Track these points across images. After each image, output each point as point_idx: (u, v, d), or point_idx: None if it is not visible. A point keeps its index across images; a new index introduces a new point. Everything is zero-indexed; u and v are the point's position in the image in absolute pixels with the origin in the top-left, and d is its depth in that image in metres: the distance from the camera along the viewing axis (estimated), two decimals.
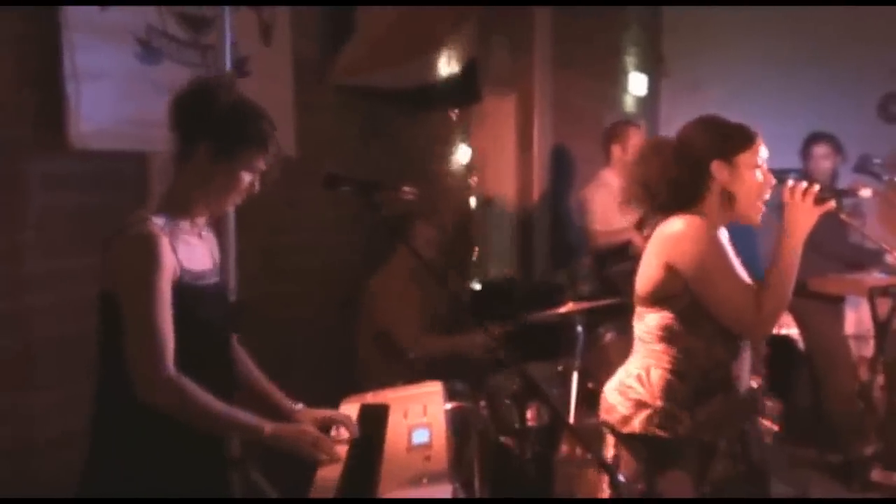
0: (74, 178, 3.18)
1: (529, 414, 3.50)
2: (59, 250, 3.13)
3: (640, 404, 2.68)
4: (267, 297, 4.01)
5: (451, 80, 4.96)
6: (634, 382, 2.71)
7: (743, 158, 2.63)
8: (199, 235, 2.37)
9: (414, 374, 3.70)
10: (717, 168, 2.63)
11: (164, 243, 2.17)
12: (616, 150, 5.34)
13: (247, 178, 2.30)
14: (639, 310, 2.75)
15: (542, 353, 4.09)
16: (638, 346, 2.76)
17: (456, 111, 5.52)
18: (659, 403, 2.64)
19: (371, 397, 2.87)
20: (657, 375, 2.67)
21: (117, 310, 2.16)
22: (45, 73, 3.02)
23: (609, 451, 2.74)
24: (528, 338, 3.92)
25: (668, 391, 2.64)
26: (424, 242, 4.26)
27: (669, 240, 2.61)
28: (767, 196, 2.67)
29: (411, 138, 5.22)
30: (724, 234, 2.74)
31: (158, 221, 2.21)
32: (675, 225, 2.59)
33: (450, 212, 5.45)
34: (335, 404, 2.76)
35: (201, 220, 2.38)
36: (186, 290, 2.22)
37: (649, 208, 2.69)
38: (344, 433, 2.51)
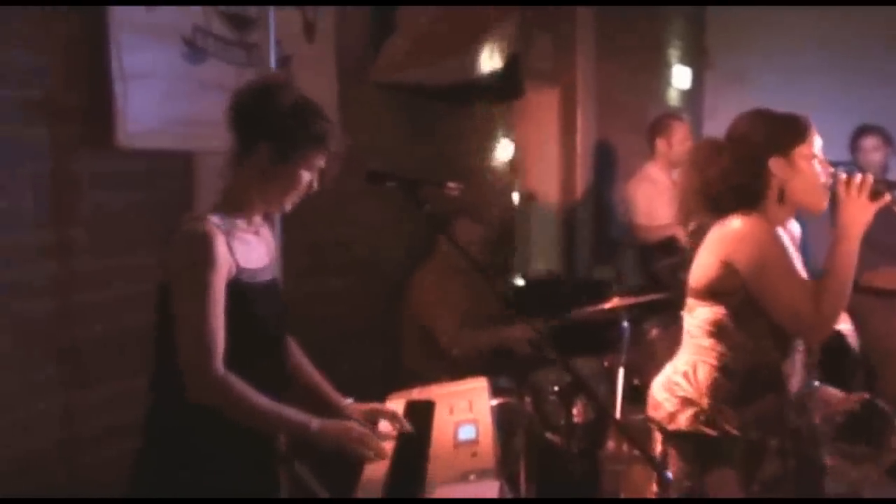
0: (122, 177, 3.22)
1: (575, 410, 3.48)
2: (107, 248, 3.17)
3: (686, 401, 2.65)
4: (312, 293, 4.03)
5: (494, 76, 4.93)
6: (681, 379, 2.69)
7: (799, 151, 2.58)
8: (256, 233, 2.39)
9: (458, 370, 3.71)
10: (776, 165, 2.58)
11: (220, 242, 2.19)
12: (661, 144, 5.29)
13: (306, 176, 2.32)
14: (690, 302, 2.72)
15: (588, 349, 4.06)
16: (686, 341, 2.73)
17: (498, 106, 5.50)
18: (705, 401, 2.61)
19: (417, 393, 2.87)
20: (704, 372, 2.63)
21: (170, 304, 2.19)
22: (93, 73, 3.06)
23: (657, 449, 2.71)
24: (574, 333, 3.89)
25: (715, 389, 2.61)
26: (467, 238, 4.25)
27: (729, 238, 2.56)
28: (827, 183, 2.61)
29: (454, 134, 5.21)
30: (795, 228, 2.70)
31: (215, 220, 2.24)
32: (736, 223, 2.55)
33: (493, 207, 5.43)
34: (380, 400, 2.76)
35: (258, 218, 2.40)
36: (242, 287, 2.24)
37: (710, 215, 2.65)
38: (390, 427, 2.52)
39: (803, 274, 2.56)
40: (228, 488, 2.23)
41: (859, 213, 2.47)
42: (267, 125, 2.27)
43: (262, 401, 2.17)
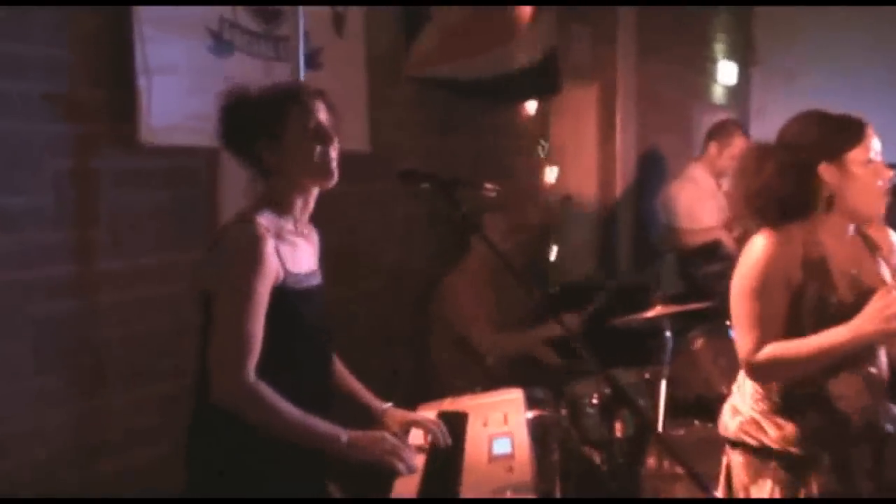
0: (145, 174, 3.25)
1: (615, 424, 3.46)
2: (128, 249, 3.20)
3: (735, 410, 2.68)
4: (338, 297, 4.03)
5: (530, 71, 4.92)
6: (735, 388, 2.73)
7: (853, 156, 2.52)
8: (304, 236, 2.42)
9: (492, 379, 3.69)
10: (826, 172, 2.54)
11: (269, 245, 2.21)
12: (713, 147, 5.25)
13: (312, 137, 2.32)
14: None
15: (628, 360, 4.03)
16: None
17: (535, 103, 5.48)
18: (748, 411, 2.63)
19: (449, 404, 2.87)
20: (749, 383, 2.64)
21: (212, 309, 2.20)
22: (116, 67, 3.09)
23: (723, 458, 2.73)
24: (613, 343, 3.87)
25: (756, 400, 2.62)
26: (500, 241, 4.24)
27: (744, 254, 2.59)
28: (885, 187, 2.57)
29: (488, 132, 5.20)
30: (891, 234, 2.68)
31: (263, 220, 2.25)
32: (757, 241, 2.55)
33: (529, 209, 5.42)
34: (410, 409, 2.76)
35: (305, 219, 2.42)
36: (289, 293, 2.26)
37: (757, 223, 2.63)
38: (422, 439, 2.52)
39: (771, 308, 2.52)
40: (269, 493, 2.24)
41: (881, 327, 2.41)
42: (243, 132, 2.33)
43: (291, 411, 2.18)
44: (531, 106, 5.50)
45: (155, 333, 3.27)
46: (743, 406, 2.65)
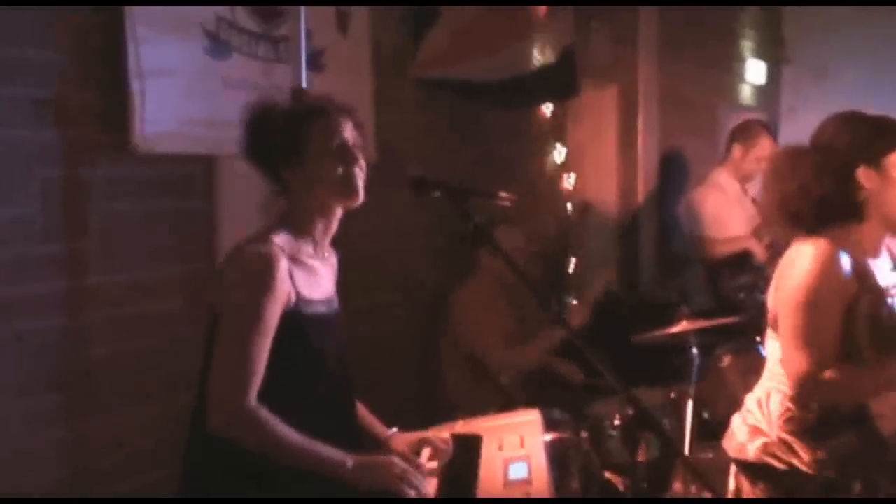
0: (139, 183, 3.26)
1: (638, 447, 3.45)
2: (122, 262, 3.21)
3: (756, 431, 2.65)
4: (348, 310, 4.03)
5: (546, 72, 4.92)
6: (754, 407, 2.70)
7: (893, 159, 2.54)
8: (324, 260, 2.43)
9: (507, 399, 3.69)
10: (865, 176, 2.53)
11: (282, 267, 2.21)
12: (737, 150, 5.24)
13: (336, 156, 2.33)
14: (769, 330, 2.70)
15: (652, 379, 4.03)
16: (766, 367, 2.72)
17: (551, 106, 5.48)
18: (775, 432, 2.61)
19: (461, 426, 2.86)
20: (776, 401, 2.63)
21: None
22: (108, 70, 3.10)
23: (730, 482, 2.71)
24: (636, 361, 3.86)
25: (786, 420, 2.60)
26: (513, 252, 4.24)
27: (787, 263, 2.57)
28: None
29: (501, 137, 5.21)
30: None
31: (279, 241, 2.26)
32: (805, 250, 2.53)
33: (545, 219, 5.42)
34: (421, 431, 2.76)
35: (326, 243, 2.44)
36: (300, 318, 2.26)
37: (790, 230, 2.62)
38: (434, 462, 2.52)
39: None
40: None
41: None
42: (265, 147, 2.34)
43: (293, 436, 2.18)
44: (547, 109, 5.50)
45: (149, 352, 3.27)
46: (767, 426, 2.63)
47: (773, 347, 2.69)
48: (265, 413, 2.16)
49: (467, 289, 4.39)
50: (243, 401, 2.14)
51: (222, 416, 2.15)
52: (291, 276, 2.25)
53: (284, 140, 2.32)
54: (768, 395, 2.65)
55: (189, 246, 3.39)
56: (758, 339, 4.22)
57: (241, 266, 2.24)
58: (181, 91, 3.26)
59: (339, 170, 2.34)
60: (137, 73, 3.11)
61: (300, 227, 2.36)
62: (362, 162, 2.38)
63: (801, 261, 2.53)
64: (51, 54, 2.98)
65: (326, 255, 2.46)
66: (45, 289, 3.00)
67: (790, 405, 2.59)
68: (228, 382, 2.15)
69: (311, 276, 2.34)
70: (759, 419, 2.65)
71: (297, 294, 2.27)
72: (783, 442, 2.59)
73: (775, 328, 2.63)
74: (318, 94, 2.45)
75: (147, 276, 3.27)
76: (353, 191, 2.37)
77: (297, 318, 2.25)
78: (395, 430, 2.64)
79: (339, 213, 2.44)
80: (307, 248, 2.36)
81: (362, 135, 2.42)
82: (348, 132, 2.37)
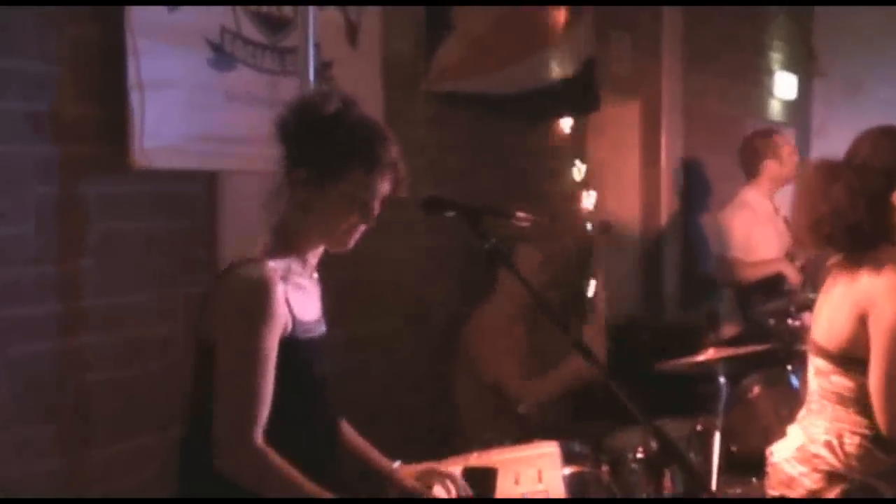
0: (137, 201, 3.27)
1: (662, 481, 3.43)
2: (119, 284, 3.21)
3: (833, 476, 2.62)
4: (350, 339, 4.03)
5: (565, 85, 4.93)
6: (823, 451, 2.65)
7: None
8: (311, 277, 2.42)
9: (524, 430, 3.67)
10: None
11: (278, 291, 2.20)
12: (771, 167, 5.25)
13: (354, 208, 2.31)
14: (821, 364, 2.68)
15: (677, 409, 4.01)
16: (818, 405, 2.70)
17: (570, 120, 5.49)
18: (858, 476, 2.59)
19: (475, 458, 2.85)
20: (853, 444, 2.61)
21: (212, 363, 2.19)
22: (105, 82, 3.12)
23: None
24: (660, 390, 3.84)
25: (869, 462, 2.59)
26: (533, 275, 4.23)
27: (874, 289, 2.54)
28: None
29: (518, 153, 5.22)
30: None
31: (272, 263, 2.24)
32: (886, 271, 2.52)
33: (564, 239, 5.41)
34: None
35: (313, 260, 2.42)
36: (298, 344, 2.25)
37: (822, 250, 2.62)
38: (446, 493, 2.51)
39: None
40: None
41: None
42: (298, 144, 2.31)
43: (299, 480, 2.16)
44: (566, 124, 5.50)
45: (147, 379, 3.27)
46: (847, 471, 2.61)
47: (825, 386, 2.66)
48: (273, 455, 2.14)
49: (484, 313, 4.38)
50: (250, 439, 2.12)
51: (229, 456, 2.14)
52: (287, 299, 2.24)
53: (321, 154, 2.28)
54: (840, 438, 2.62)
55: (189, 268, 3.40)
56: (789, 368, 4.21)
57: (236, 293, 2.22)
58: (183, 104, 3.27)
59: (345, 224, 2.32)
60: (137, 85, 3.11)
61: (293, 245, 2.34)
62: (373, 223, 2.35)
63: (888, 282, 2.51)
64: (46, 65, 3.00)
65: (315, 274, 2.45)
66: (37, 311, 3.00)
67: (870, 446, 2.59)
68: (234, 420, 2.14)
69: (303, 298, 2.33)
70: (835, 463, 2.62)
71: (293, 318, 2.26)
72: (867, 486, 2.57)
73: (828, 357, 2.62)
74: (380, 126, 2.39)
75: (145, 298, 3.28)
76: (342, 245, 2.37)
77: (294, 344, 2.24)
78: (398, 463, 2.63)
79: None
80: (297, 268, 2.34)
81: (396, 188, 2.39)
82: (385, 187, 2.34)
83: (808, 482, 2.65)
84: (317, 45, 3.42)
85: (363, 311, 4.16)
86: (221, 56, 3.41)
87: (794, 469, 2.69)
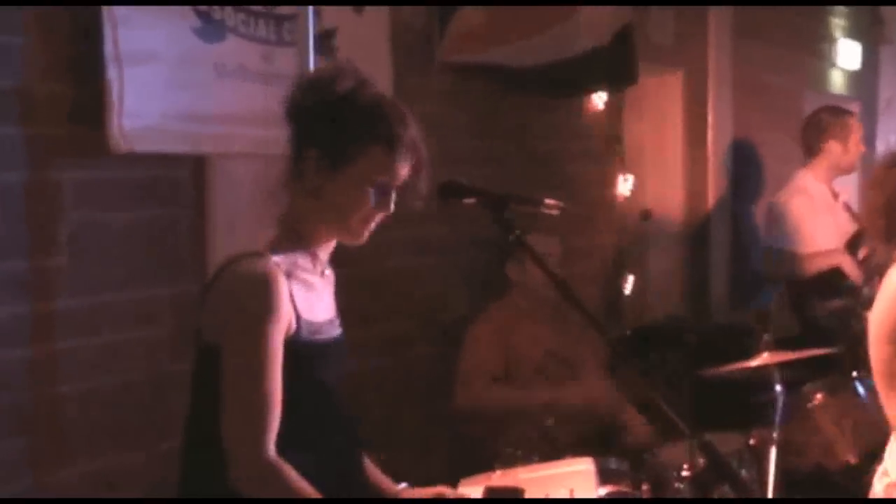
0: (116, 189, 3.28)
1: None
2: (97, 281, 3.22)
3: (883, 472, 2.68)
4: (356, 343, 4.02)
5: (598, 55, 4.91)
6: (891, 465, 2.69)
7: None
8: (322, 274, 2.41)
9: (553, 445, 3.67)
10: None
11: (283, 287, 2.21)
12: (834, 147, 5.23)
13: (371, 194, 2.30)
14: None
15: (728, 421, 4.00)
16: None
17: (604, 96, 5.48)
18: None
19: (498, 477, 2.86)
20: None
21: (215, 364, 2.20)
22: (79, 54, 3.12)
23: None
24: (708, 400, 3.84)
25: None
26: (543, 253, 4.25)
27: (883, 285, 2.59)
28: None
29: (545, 133, 5.21)
30: None
31: (277, 257, 2.25)
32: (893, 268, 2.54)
33: (598, 230, 5.41)
34: (449, 484, 2.75)
35: (324, 255, 2.42)
36: (303, 347, 2.26)
37: (883, 244, 2.63)
38: None
39: None
40: None
41: None
42: (310, 124, 2.30)
43: (313, 495, 2.17)
44: (599, 99, 5.50)
45: (128, 389, 3.28)
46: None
47: None
48: (285, 465, 2.16)
49: (498, 311, 4.39)
50: (263, 451, 2.14)
51: (242, 469, 2.15)
52: (291, 297, 2.25)
53: (333, 136, 2.29)
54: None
55: (175, 262, 3.40)
56: (854, 373, 4.19)
57: (236, 290, 2.23)
58: (166, 80, 3.27)
59: (361, 212, 2.32)
60: (115, 58, 3.11)
61: (300, 237, 2.35)
62: (391, 210, 2.35)
63: (888, 285, 2.58)
64: (10, 36, 2.99)
65: (326, 272, 2.45)
66: (4, 313, 3.01)
67: None
68: (245, 430, 2.15)
69: (310, 296, 2.33)
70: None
71: (299, 318, 2.26)
72: None
73: None
74: (398, 105, 2.38)
75: (126, 298, 3.29)
76: (357, 237, 2.37)
77: (298, 346, 2.25)
78: (403, 485, 2.63)
79: None
80: (305, 263, 2.35)
81: (416, 177, 2.38)
82: (403, 171, 2.34)
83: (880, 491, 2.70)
84: (317, 12, 3.42)
85: (370, 313, 4.16)
86: (209, 25, 3.41)
87: (877, 486, 2.72)
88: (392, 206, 2.35)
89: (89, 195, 3.20)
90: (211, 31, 3.42)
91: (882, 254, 2.70)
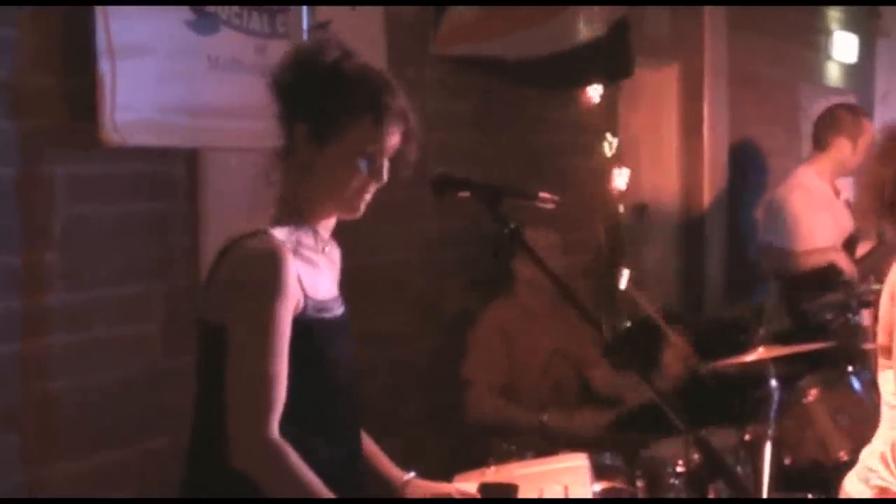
0: (109, 183, 3.27)
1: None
2: (89, 276, 3.22)
3: (884, 493, 2.61)
4: (354, 334, 4.04)
5: (594, 48, 4.91)
6: (877, 464, 2.64)
7: None
8: (323, 251, 2.42)
9: (549, 440, 3.68)
10: None
11: (290, 266, 2.21)
12: (843, 144, 5.21)
13: (363, 164, 2.31)
14: (882, 363, 2.69)
15: (722, 417, 4.01)
16: (884, 412, 2.69)
17: (600, 88, 5.48)
18: None
19: (493, 473, 2.86)
20: None
21: (222, 346, 2.20)
22: (71, 47, 3.11)
23: None
24: (704, 395, 3.85)
25: None
26: (542, 250, 4.25)
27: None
28: None
29: (540, 126, 5.21)
30: None
31: (279, 234, 2.26)
32: None
33: (592, 224, 5.41)
34: (444, 480, 2.75)
35: (326, 233, 2.42)
36: (310, 324, 2.27)
37: (886, 220, 2.62)
38: None
39: None
40: None
41: None
42: (297, 99, 2.31)
43: (314, 480, 2.17)
44: (595, 92, 5.49)
45: (121, 385, 3.28)
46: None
47: (886, 388, 2.66)
48: (288, 447, 2.16)
49: (501, 306, 4.39)
50: (266, 430, 2.15)
51: (243, 448, 2.16)
52: (298, 276, 2.25)
53: (320, 108, 2.29)
54: (894, 448, 2.62)
55: (169, 257, 3.40)
56: (850, 368, 4.20)
57: (243, 267, 2.24)
58: (159, 72, 3.27)
59: (355, 183, 2.32)
60: (107, 51, 3.11)
61: (300, 214, 2.35)
62: (385, 180, 2.36)
63: None
64: (4, 30, 2.99)
65: (327, 248, 2.45)
66: None
67: None
68: (250, 410, 2.16)
69: (314, 274, 2.34)
70: (888, 478, 2.61)
71: (306, 295, 2.27)
72: None
73: (889, 356, 2.62)
74: (381, 72, 2.39)
75: (119, 293, 3.28)
76: (353, 209, 2.38)
77: (306, 324, 2.25)
78: (412, 474, 2.64)
79: None
80: (307, 240, 2.36)
81: (407, 144, 2.38)
82: (393, 139, 2.34)
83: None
84: (311, 4, 3.42)
85: (364, 306, 4.13)
86: (203, 17, 3.41)
87: (854, 486, 2.69)
88: (385, 176, 2.35)
89: (81, 189, 3.20)
90: (204, 24, 3.42)
91: (891, 232, 2.70)
